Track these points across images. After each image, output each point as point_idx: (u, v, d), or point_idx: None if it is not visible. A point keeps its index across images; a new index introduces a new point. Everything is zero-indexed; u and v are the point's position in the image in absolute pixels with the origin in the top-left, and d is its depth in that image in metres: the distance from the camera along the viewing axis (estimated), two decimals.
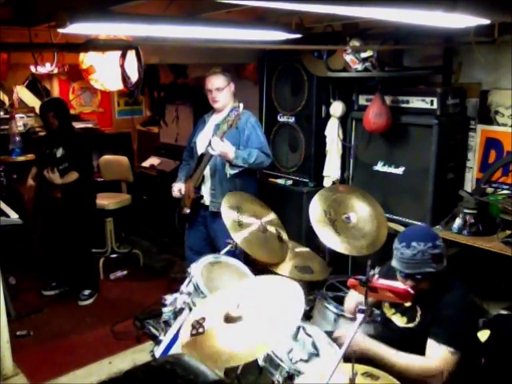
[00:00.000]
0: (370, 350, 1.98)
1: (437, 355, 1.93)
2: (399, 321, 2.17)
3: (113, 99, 6.10)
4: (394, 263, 2.07)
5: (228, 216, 2.82)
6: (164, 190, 3.67)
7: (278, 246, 2.93)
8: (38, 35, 2.88)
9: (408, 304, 2.12)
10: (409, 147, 3.19)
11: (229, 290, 2.11)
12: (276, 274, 2.80)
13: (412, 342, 2.06)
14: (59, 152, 3.89)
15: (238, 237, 2.76)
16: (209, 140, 3.20)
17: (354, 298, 2.37)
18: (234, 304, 1.84)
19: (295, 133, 3.89)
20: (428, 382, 1.92)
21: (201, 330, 1.79)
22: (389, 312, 2.23)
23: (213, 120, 3.41)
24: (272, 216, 3.10)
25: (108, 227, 4.66)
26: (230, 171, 3.26)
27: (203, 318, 1.85)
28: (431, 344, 1.96)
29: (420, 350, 2.03)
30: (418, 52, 3.45)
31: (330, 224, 2.86)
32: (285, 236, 3.05)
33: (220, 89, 3.29)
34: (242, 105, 3.19)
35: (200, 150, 3.36)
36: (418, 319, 2.09)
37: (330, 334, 2.35)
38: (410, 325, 2.11)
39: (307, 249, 3.16)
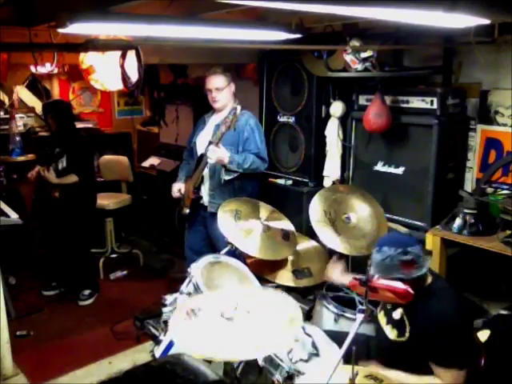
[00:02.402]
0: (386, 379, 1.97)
1: (450, 379, 1.92)
2: (391, 333, 2.13)
3: (113, 99, 6.10)
4: (371, 267, 2.05)
5: (230, 229, 2.79)
6: (164, 190, 3.67)
7: (282, 243, 2.91)
8: (38, 35, 2.88)
9: (397, 316, 2.09)
10: (409, 147, 3.19)
11: (230, 291, 2.12)
12: (273, 282, 2.80)
13: (405, 355, 2.05)
14: (59, 153, 3.88)
15: (249, 247, 2.75)
16: (208, 141, 3.21)
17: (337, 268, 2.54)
18: (231, 304, 1.84)
19: (295, 133, 3.88)
20: None
21: (193, 317, 1.81)
22: (382, 320, 2.21)
23: (213, 120, 3.41)
24: (269, 210, 3.07)
25: (108, 227, 4.66)
26: (224, 177, 3.28)
27: (199, 309, 1.87)
28: (439, 371, 1.94)
29: (413, 362, 2.02)
30: (418, 52, 3.45)
31: (329, 224, 2.86)
32: (290, 227, 3.03)
33: (220, 89, 3.29)
34: (239, 106, 3.17)
35: (200, 150, 3.36)
36: (407, 334, 2.05)
37: (330, 333, 2.36)
38: (401, 339, 2.08)
39: (309, 243, 3.12)
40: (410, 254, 1.97)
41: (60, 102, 4.34)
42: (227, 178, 3.29)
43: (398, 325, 2.10)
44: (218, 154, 3.12)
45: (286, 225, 3.04)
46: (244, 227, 2.83)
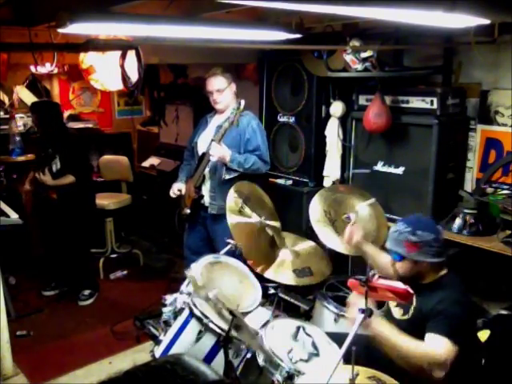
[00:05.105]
0: (381, 331, 1.96)
1: (439, 344, 1.92)
2: (397, 313, 2.20)
3: (113, 99, 6.10)
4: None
5: (232, 199, 2.85)
6: (164, 190, 3.67)
7: (268, 250, 2.87)
8: (38, 35, 2.88)
9: None
10: (409, 147, 3.19)
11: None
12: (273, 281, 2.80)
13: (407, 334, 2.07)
14: (52, 154, 3.87)
15: (233, 219, 2.79)
16: (210, 141, 3.20)
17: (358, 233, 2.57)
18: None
19: (295, 133, 3.88)
20: (431, 371, 1.89)
21: None
22: (392, 303, 2.26)
23: (215, 121, 3.40)
24: (275, 223, 3.03)
25: (108, 227, 4.66)
26: (225, 176, 3.27)
27: None
28: (431, 336, 1.95)
29: None
30: (418, 52, 3.45)
31: (330, 224, 2.86)
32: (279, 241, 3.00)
33: (220, 90, 3.28)
34: (243, 101, 3.13)
35: (201, 150, 3.35)
36: (411, 311, 2.11)
37: (330, 334, 2.36)
38: (405, 317, 2.14)
39: (307, 243, 3.09)
40: (417, 236, 2.06)
41: (46, 103, 4.31)
42: (228, 177, 3.27)
43: (404, 304, 2.16)
44: (220, 152, 3.13)
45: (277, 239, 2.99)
46: (246, 209, 2.86)
